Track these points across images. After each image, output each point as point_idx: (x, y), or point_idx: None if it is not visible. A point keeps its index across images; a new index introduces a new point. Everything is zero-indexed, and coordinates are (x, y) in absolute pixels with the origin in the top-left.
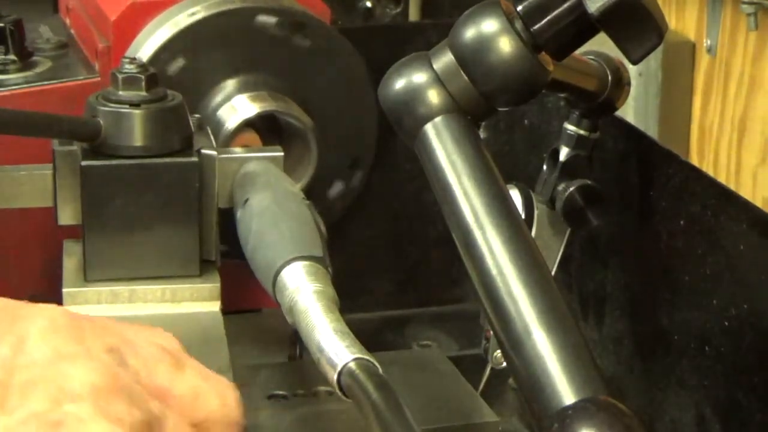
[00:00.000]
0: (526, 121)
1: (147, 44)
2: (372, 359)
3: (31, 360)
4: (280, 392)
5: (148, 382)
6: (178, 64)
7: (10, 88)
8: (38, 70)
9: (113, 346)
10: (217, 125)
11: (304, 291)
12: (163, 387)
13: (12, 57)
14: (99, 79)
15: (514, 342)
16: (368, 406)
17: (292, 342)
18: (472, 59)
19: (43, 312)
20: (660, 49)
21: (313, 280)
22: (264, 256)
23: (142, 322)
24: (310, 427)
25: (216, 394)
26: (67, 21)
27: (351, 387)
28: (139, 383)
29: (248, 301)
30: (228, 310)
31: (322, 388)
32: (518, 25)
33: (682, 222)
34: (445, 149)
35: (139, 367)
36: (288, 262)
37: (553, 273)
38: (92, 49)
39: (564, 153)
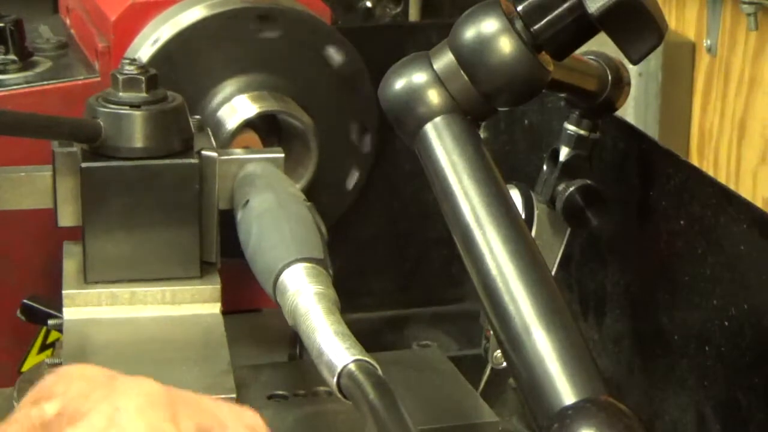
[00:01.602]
0: (526, 121)
1: (147, 44)
2: (372, 360)
3: None
4: (281, 392)
5: None
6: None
7: (10, 88)
8: (38, 70)
9: (205, 426)
10: (217, 125)
11: (304, 293)
12: None
13: (12, 57)
14: (99, 79)
15: (513, 342)
16: (366, 407)
17: (292, 342)
18: (472, 59)
19: (141, 386)
20: (660, 49)
21: (314, 282)
22: (265, 257)
23: (142, 323)
24: (310, 427)
25: None
26: (67, 21)
27: (350, 388)
28: None
29: (248, 302)
30: (228, 310)
31: (322, 388)
32: (518, 25)
33: (682, 222)
34: (445, 149)
35: None
36: (289, 264)
37: (553, 273)
38: (92, 49)
39: (564, 153)
